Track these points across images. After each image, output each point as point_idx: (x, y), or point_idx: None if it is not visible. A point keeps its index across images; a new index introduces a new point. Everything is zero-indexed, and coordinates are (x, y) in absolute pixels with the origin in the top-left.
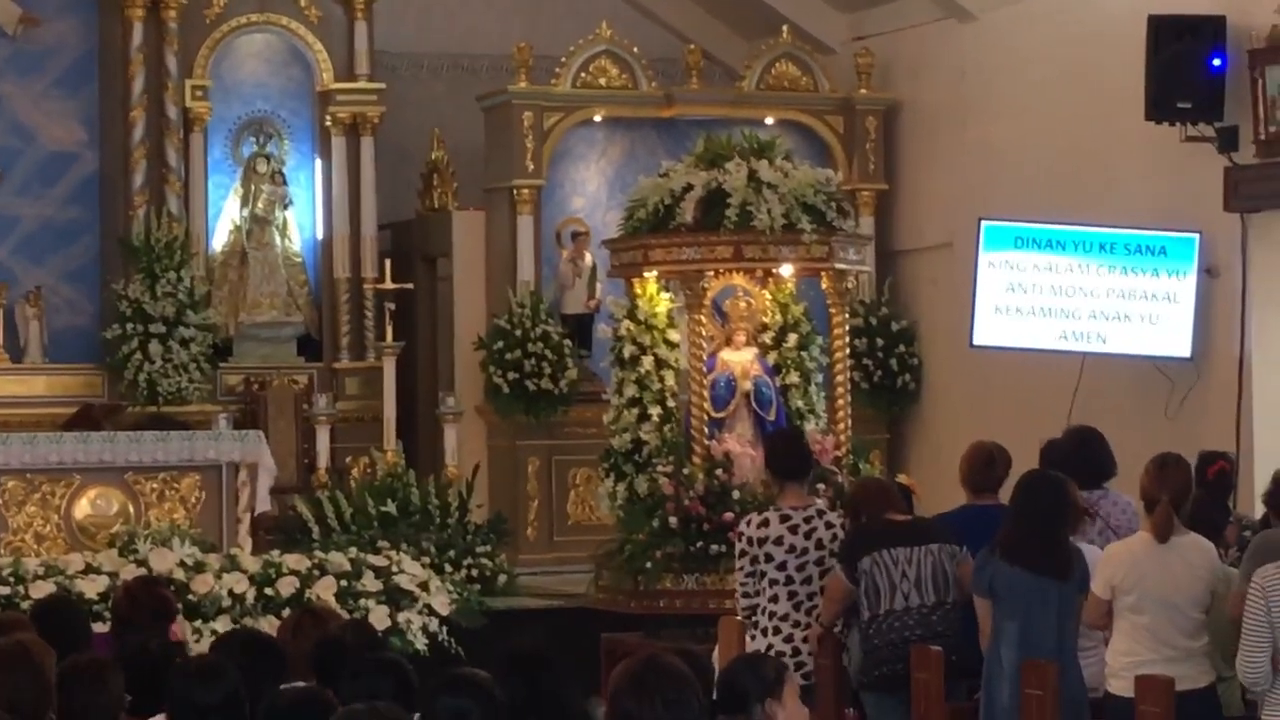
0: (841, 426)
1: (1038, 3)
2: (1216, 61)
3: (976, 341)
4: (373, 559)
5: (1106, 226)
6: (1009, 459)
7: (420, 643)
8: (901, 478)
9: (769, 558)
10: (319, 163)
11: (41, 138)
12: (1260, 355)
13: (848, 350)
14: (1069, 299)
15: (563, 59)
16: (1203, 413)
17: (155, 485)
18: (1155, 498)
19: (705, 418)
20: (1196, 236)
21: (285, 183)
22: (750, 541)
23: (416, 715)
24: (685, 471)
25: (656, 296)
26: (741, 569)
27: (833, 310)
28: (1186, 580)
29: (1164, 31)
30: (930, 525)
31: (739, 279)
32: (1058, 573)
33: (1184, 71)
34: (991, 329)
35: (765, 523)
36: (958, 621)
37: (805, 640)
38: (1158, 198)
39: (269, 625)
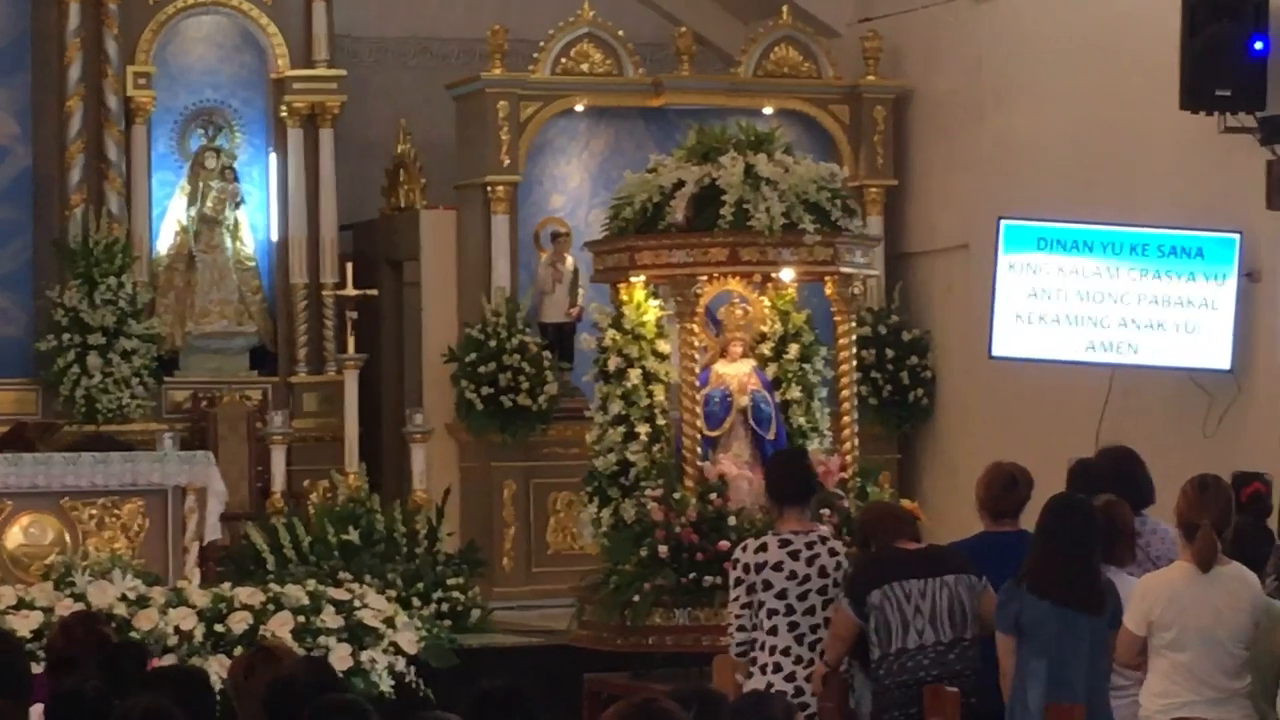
0: (847, 446)
1: None
2: (1258, 45)
3: (995, 352)
4: (333, 592)
5: (1138, 226)
6: (1031, 481)
7: (385, 684)
8: (905, 503)
9: (768, 585)
10: (273, 157)
11: None
12: None
13: (854, 362)
14: (1097, 306)
15: (541, 43)
16: (1244, 430)
17: (94, 511)
18: (1195, 523)
19: (698, 436)
20: (1237, 237)
21: (236, 179)
22: (747, 568)
23: None
24: (676, 496)
25: (644, 304)
26: (737, 599)
27: (838, 318)
28: (1230, 613)
29: (1200, 11)
30: (946, 554)
31: (735, 284)
32: (1089, 606)
33: (1222, 56)
34: (1012, 339)
35: (763, 547)
36: (977, 660)
37: (808, 679)
38: (1194, 194)
39: (219, 665)
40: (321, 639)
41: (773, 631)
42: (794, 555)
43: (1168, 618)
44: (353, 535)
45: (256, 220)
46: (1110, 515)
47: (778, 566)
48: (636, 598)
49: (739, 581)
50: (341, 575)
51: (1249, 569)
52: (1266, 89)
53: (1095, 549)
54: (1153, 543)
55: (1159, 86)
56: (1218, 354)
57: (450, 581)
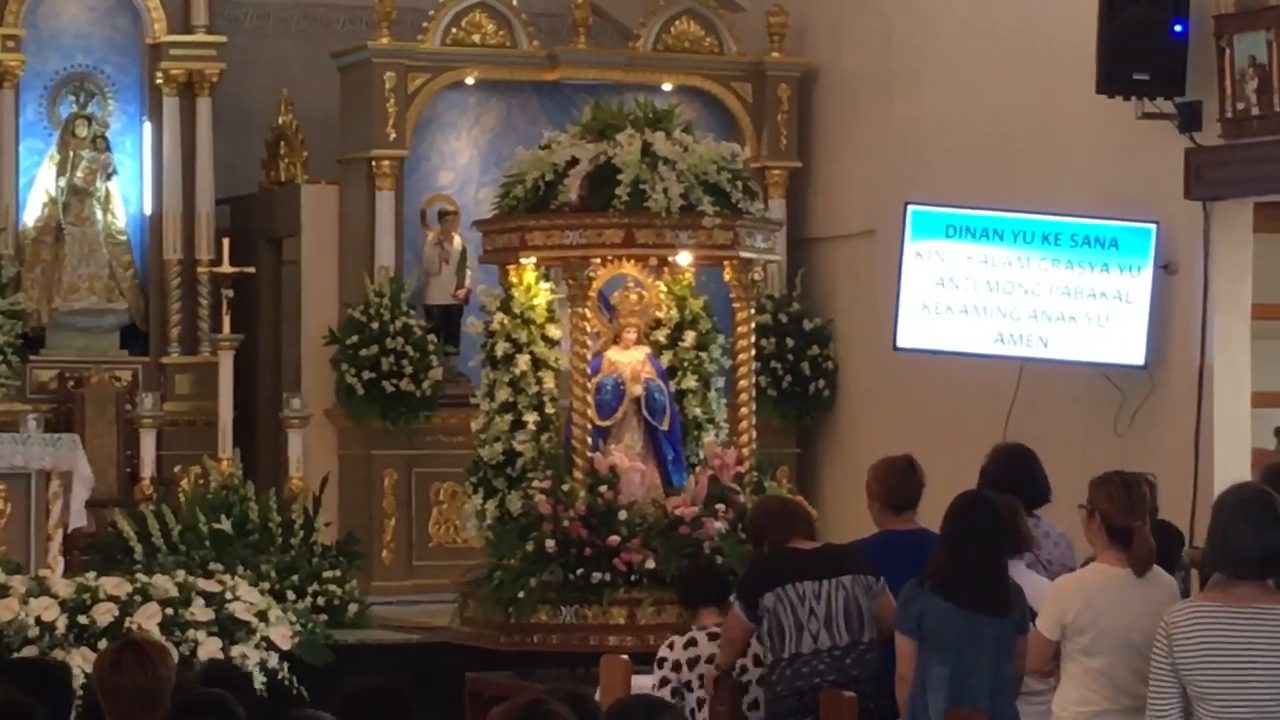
0: (745, 439)
1: None
2: (1178, 28)
3: (900, 343)
4: (204, 584)
5: (1050, 214)
6: (923, 472)
7: (257, 681)
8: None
9: (702, 681)
10: (148, 126)
11: None
12: (1223, 364)
13: (753, 351)
14: (1007, 296)
15: (431, 12)
16: (1157, 429)
17: None
18: (1125, 524)
19: (588, 426)
20: (1153, 227)
21: (109, 149)
22: (676, 666)
23: None
24: (565, 488)
25: (535, 286)
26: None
27: (737, 305)
28: (1147, 618)
29: None
30: (841, 553)
31: (629, 268)
32: (995, 609)
33: (1141, 39)
34: (918, 329)
35: (693, 642)
36: (875, 664)
37: None
38: (1109, 182)
39: (83, 658)
40: (190, 633)
41: None
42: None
43: (1083, 621)
44: (225, 524)
45: (129, 192)
46: (1011, 516)
47: (711, 660)
48: (521, 594)
49: (665, 681)
50: (212, 566)
51: (1166, 572)
52: (1186, 74)
53: (1003, 550)
54: (1044, 545)
55: (1075, 69)
56: (1131, 349)
57: (327, 574)
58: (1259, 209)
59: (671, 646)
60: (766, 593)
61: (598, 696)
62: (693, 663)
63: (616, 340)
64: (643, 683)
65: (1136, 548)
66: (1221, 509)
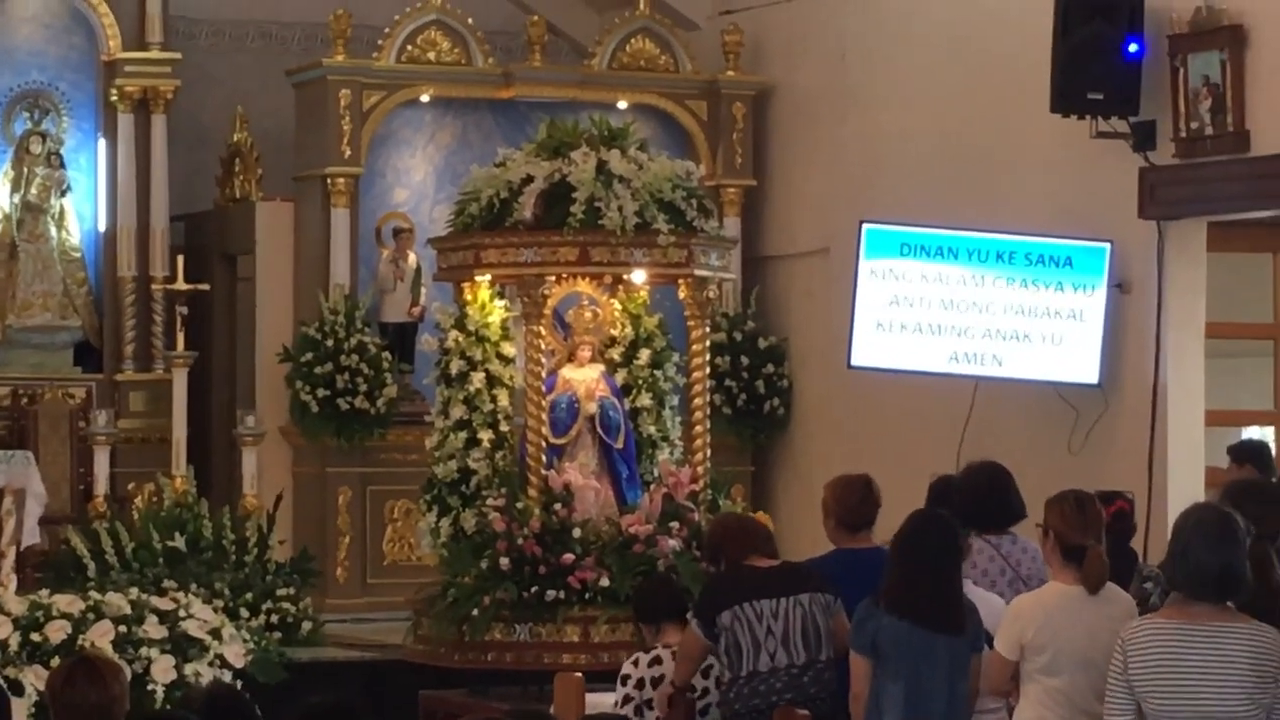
0: (699, 456)
1: None
2: (1133, 47)
3: (855, 362)
4: (157, 601)
5: (1005, 233)
6: (879, 492)
7: None
8: (761, 516)
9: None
10: (103, 143)
11: None
12: (1176, 383)
13: (708, 369)
14: (961, 315)
15: (386, 30)
16: (1110, 447)
17: None
18: (1079, 543)
19: (543, 444)
20: (1107, 246)
21: (63, 165)
22: (640, 684)
23: None
24: (519, 506)
25: (489, 304)
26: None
27: (691, 323)
28: (1106, 636)
29: (1073, 12)
30: (799, 571)
31: (584, 286)
32: (950, 627)
33: (1095, 58)
34: (872, 348)
35: (657, 660)
36: (832, 682)
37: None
38: (1064, 201)
39: (35, 676)
40: (144, 650)
41: None
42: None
43: (1041, 641)
44: (179, 542)
45: (83, 209)
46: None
47: None
48: (476, 612)
49: (628, 699)
50: (166, 584)
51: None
52: (1140, 93)
53: (957, 567)
54: (1023, 561)
55: (1030, 88)
56: (1085, 368)
57: (280, 592)
58: (1213, 228)
59: (636, 663)
60: (724, 610)
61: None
62: (656, 681)
63: (571, 358)
64: (597, 701)
65: (1088, 566)
66: (1183, 528)
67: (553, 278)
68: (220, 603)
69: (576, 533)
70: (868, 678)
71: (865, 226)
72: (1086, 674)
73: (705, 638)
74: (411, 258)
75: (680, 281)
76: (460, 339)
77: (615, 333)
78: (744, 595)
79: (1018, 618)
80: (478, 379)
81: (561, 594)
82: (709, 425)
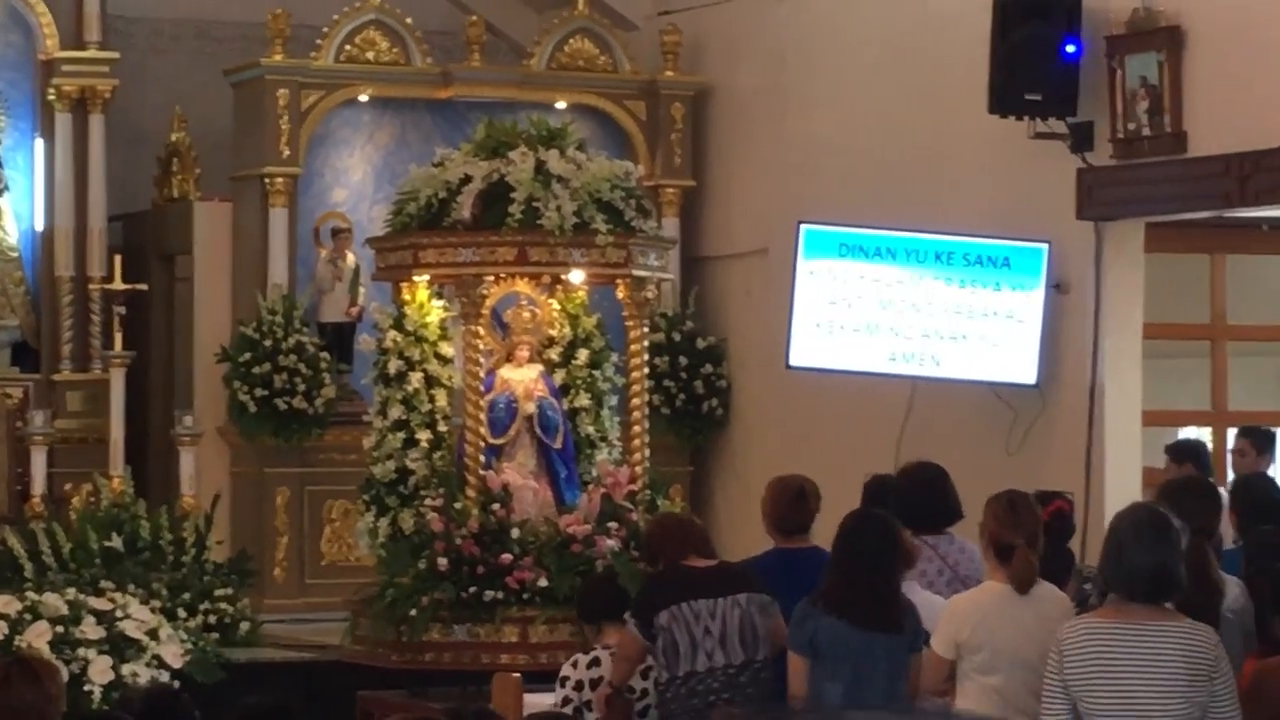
0: (638, 457)
1: None
2: (1070, 48)
3: (793, 362)
4: (94, 602)
5: (943, 233)
6: (819, 494)
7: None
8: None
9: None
10: (40, 143)
11: None
12: (1114, 383)
13: (646, 370)
14: (899, 315)
15: (325, 29)
16: (1048, 448)
17: None
18: (1009, 543)
19: (481, 444)
20: (1045, 247)
21: (0, 165)
22: (579, 685)
23: None
24: (457, 506)
25: (428, 304)
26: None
27: (630, 324)
28: (1041, 635)
29: (1011, 12)
30: (737, 572)
31: (523, 285)
32: (888, 626)
33: (1033, 59)
34: (810, 348)
35: (596, 661)
36: (770, 682)
37: None
38: (1001, 202)
39: None
40: (81, 651)
41: None
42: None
43: (977, 640)
44: (116, 542)
45: (21, 209)
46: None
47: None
48: (414, 612)
49: (566, 701)
50: (103, 584)
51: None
52: (1078, 94)
53: (895, 567)
54: (961, 562)
55: (968, 89)
56: (1023, 368)
57: (218, 592)
58: (1150, 229)
59: (575, 665)
60: (661, 610)
61: None
62: (595, 682)
63: (509, 358)
64: (536, 701)
65: (1015, 565)
66: (1117, 529)
67: (491, 278)
68: (158, 603)
69: (515, 533)
70: (805, 677)
71: (804, 227)
72: (1022, 673)
73: (643, 638)
74: (350, 257)
75: (618, 282)
76: (398, 339)
77: (553, 333)
78: (682, 595)
79: (953, 617)
80: (416, 379)
81: (500, 594)
82: (647, 425)
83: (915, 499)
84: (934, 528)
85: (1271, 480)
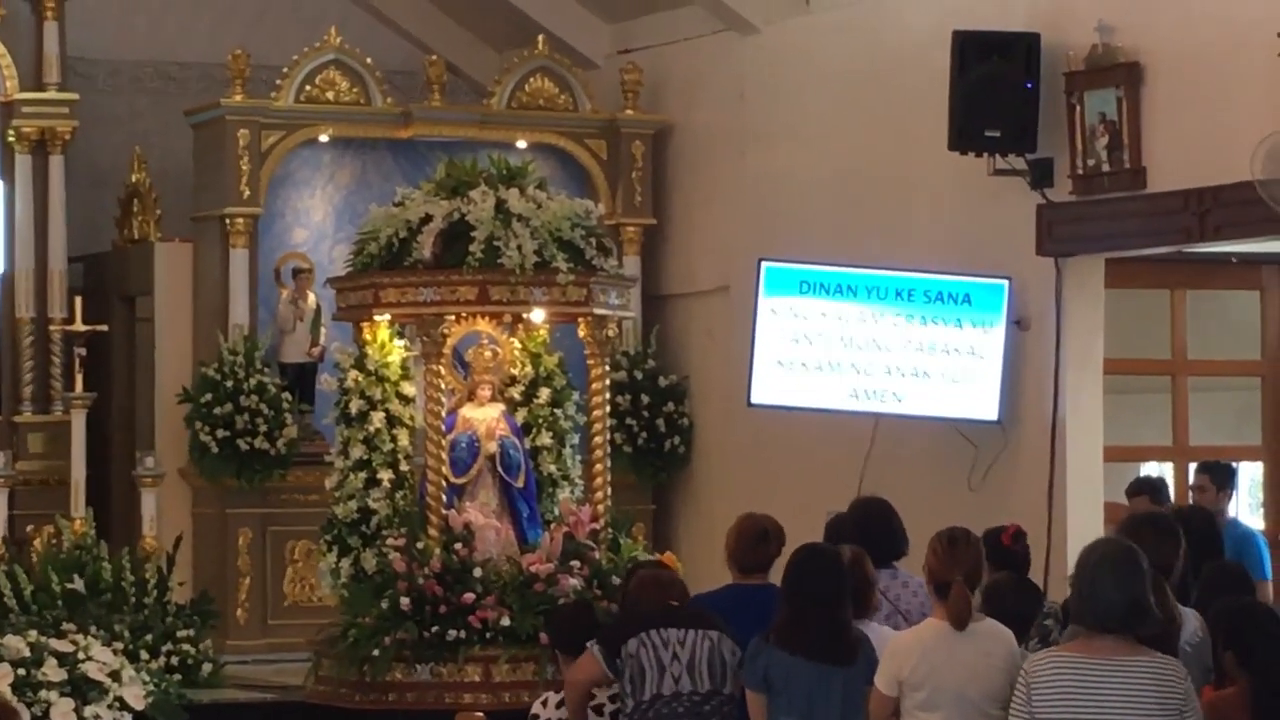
0: (600, 495)
1: (828, 14)
2: (1029, 85)
3: (755, 400)
4: (56, 644)
5: (904, 270)
6: (783, 537)
7: None
8: (667, 556)
9: None
10: (0, 184)
11: None
12: (1075, 419)
13: (608, 408)
14: (860, 352)
15: (285, 69)
16: (1010, 483)
17: None
18: (947, 580)
19: (443, 484)
20: (1005, 283)
21: None
22: None
23: None
24: (420, 546)
25: (389, 344)
26: None
27: (591, 362)
28: (984, 671)
29: (970, 50)
30: (712, 615)
31: (484, 325)
32: (840, 659)
33: (993, 96)
34: (772, 386)
35: (564, 703)
36: (733, 715)
37: None
38: (962, 238)
39: None
40: (43, 693)
41: None
42: (598, 710)
43: (918, 677)
44: (78, 584)
45: None
46: (858, 565)
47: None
48: (376, 652)
49: None
50: (65, 626)
51: (1003, 625)
52: (1037, 131)
53: (844, 600)
54: (903, 596)
55: (928, 126)
56: (985, 404)
57: (181, 633)
58: (1110, 265)
59: (545, 704)
60: (630, 638)
61: None
62: None
63: (471, 397)
64: None
65: (950, 602)
66: (1087, 564)
67: (452, 317)
68: (120, 645)
69: (477, 572)
70: (764, 713)
71: (765, 264)
72: (962, 710)
73: (605, 666)
74: (311, 298)
75: (580, 320)
76: (360, 379)
77: (515, 371)
78: (653, 623)
79: (894, 654)
80: (377, 419)
81: (462, 633)
82: (609, 464)
83: (861, 533)
84: (879, 562)
85: (1212, 515)
